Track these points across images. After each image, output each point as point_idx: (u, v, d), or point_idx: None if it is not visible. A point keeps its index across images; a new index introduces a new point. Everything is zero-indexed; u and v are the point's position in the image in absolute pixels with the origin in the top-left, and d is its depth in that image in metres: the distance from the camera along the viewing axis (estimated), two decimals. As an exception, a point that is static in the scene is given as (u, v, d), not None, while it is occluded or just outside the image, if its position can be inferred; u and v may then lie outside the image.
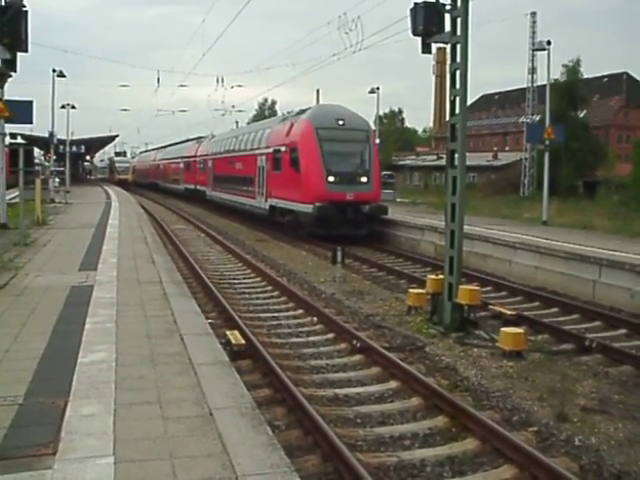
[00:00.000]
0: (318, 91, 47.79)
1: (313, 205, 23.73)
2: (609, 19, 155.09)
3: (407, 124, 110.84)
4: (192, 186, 49.28)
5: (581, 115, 50.69)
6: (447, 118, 13.48)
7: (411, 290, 13.52)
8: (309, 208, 23.89)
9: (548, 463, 6.25)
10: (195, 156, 49.08)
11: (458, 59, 11.84)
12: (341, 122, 25.24)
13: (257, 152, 30.78)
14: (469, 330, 11.59)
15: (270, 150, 28.30)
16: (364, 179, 24.86)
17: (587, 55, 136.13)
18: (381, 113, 66.99)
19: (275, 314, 13.23)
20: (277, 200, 27.37)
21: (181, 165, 55.26)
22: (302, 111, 28.01)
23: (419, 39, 12.50)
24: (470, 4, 11.60)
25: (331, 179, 24.15)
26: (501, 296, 15.44)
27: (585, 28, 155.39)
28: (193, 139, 60.83)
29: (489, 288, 15.97)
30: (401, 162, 75.23)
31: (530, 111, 49.28)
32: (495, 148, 68.98)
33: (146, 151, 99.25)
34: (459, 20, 11.71)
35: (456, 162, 11.91)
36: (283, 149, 26.51)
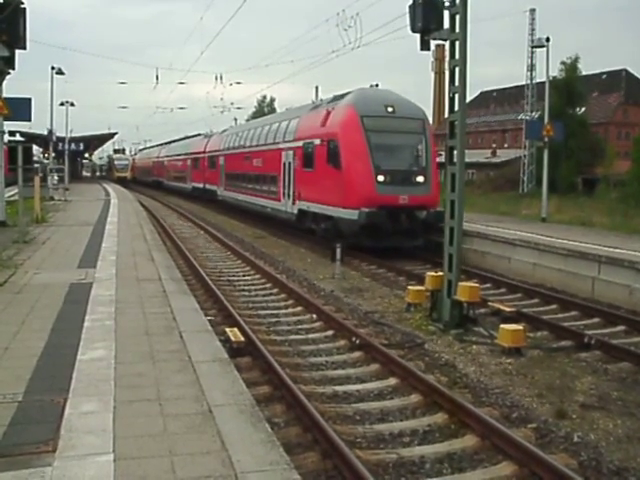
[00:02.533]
0: (317, 88, 47.68)
1: (359, 210, 19.33)
2: (614, 17, 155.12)
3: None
4: (201, 185, 45.56)
5: (580, 112, 50.67)
6: (446, 115, 13.48)
7: (410, 287, 13.53)
8: (353, 214, 19.51)
9: (547, 460, 6.25)
10: (204, 152, 44.90)
11: (457, 56, 11.83)
12: (391, 109, 20.65)
13: (282, 146, 26.36)
14: (468, 327, 11.60)
15: (299, 144, 24.06)
16: (420, 178, 20.34)
17: (590, 53, 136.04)
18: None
19: (274, 311, 13.23)
20: (308, 203, 22.99)
21: (188, 162, 51.26)
22: (340, 96, 22.95)
23: (418, 36, 12.50)
24: (469, 1, 11.59)
25: (381, 178, 19.71)
26: (500, 293, 15.46)
27: (588, 26, 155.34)
28: (192, 136, 60.52)
29: (488, 285, 15.98)
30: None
31: (529, 108, 49.24)
32: (494, 145, 68.94)
33: (148, 147, 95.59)
34: (458, 17, 11.70)
35: (455, 159, 11.90)
36: (317, 142, 22.16)
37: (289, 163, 25.20)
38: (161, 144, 76.39)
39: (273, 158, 27.26)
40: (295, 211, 24.35)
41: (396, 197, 19.64)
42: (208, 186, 42.90)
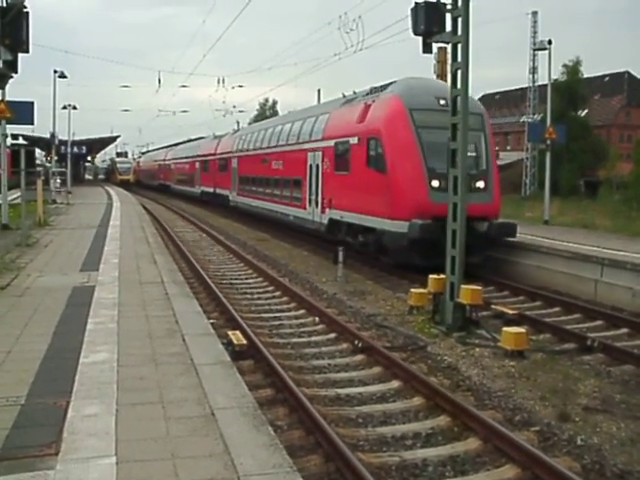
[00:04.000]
0: (319, 91, 47.61)
1: (409, 222, 16.27)
2: (615, 19, 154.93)
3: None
4: (211, 189, 42.64)
5: (582, 115, 50.67)
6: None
7: (413, 290, 13.52)
8: (402, 226, 16.45)
9: (550, 463, 6.24)
10: (214, 154, 42.05)
11: (459, 59, 11.83)
12: (443, 101, 16.83)
13: (307, 147, 23.36)
14: (471, 330, 11.59)
15: (329, 143, 21.11)
16: (480, 184, 17.22)
17: (592, 55, 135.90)
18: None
19: (277, 314, 13.23)
20: (342, 212, 19.89)
21: (197, 165, 48.33)
22: (380, 87, 19.64)
23: (420, 39, 12.52)
24: (471, 4, 11.61)
25: (435, 184, 16.52)
26: (503, 296, 15.44)
27: (590, 28, 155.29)
28: (196, 139, 60.40)
29: (491, 288, 15.95)
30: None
31: (531, 111, 49.25)
32: (496, 148, 68.83)
33: (154, 149, 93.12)
34: (460, 20, 11.70)
35: (457, 162, 11.89)
36: (354, 141, 19.16)
37: (316, 165, 22.22)
38: (167, 146, 74.51)
39: (296, 160, 24.44)
40: (325, 221, 21.26)
41: None
42: (219, 190, 40.37)
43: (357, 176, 18.98)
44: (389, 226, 16.99)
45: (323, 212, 21.50)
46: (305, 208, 23.30)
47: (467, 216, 15.06)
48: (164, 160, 66.88)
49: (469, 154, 16.01)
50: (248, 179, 32.78)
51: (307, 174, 23.09)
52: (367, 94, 20.15)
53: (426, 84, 19.26)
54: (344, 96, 22.76)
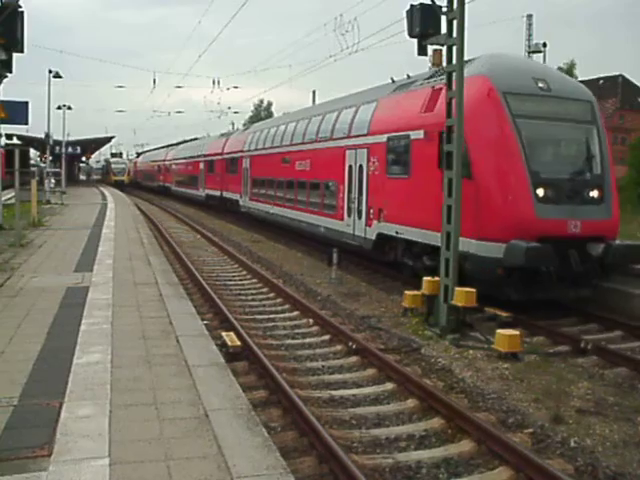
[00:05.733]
0: (314, 92, 47.63)
1: (506, 244, 12.18)
2: (611, 23, 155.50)
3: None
4: (217, 192, 38.75)
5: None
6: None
7: (407, 292, 13.52)
8: (495, 249, 12.36)
9: (543, 465, 6.25)
10: (222, 153, 38.09)
11: (454, 61, 11.86)
12: (543, 84, 13.48)
13: (345, 143, 19.23)
14: (465, 332, 11.60)
15: (380, 139, 16.84)
16: (595, 193, 13.21)
17: (587, 58, 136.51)
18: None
19: (271, 316, 13.22)
20: (398, 226, 15.68)
21: (201, 165, 44.24)
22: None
23: (415, 41, 12.55)
24: (466, 6, 11.63)
25: (541, 193, 12.57)
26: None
27: (585, 32, 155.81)
28: (189, 140, 60.11)
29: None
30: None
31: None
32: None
33: (153, 149, 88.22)
34: (455, 22, 11.73)
35: (452, 164, 11.91)
36: (417, 136, 14.76)
37: (359, 166, 18.11)
38: (168, 145, 70.66)
39: (329, 160, 20.39)
40: (371, 236, 17.16)
41: (564, 223, 12.48)
42: (227, 194, 36.20)
43: (422, 180, 14.40)
44: (475, 248, 12.61)
45: (369, 225, 17.32)
46: (342, 219, 19.14)
47: (580, 236, 12.53)
48: (164, 160, 62.80)
49: (577, 154, 13.81)
50: (264, 182, 28.46)
51: (345, 177, 19.01)
52: (430, 77, 15.70)
53: (519, 62, 14.96)
54: (393, 81, 18.55)
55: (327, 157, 20.66)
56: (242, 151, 32.98)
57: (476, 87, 13.22)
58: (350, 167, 18.68)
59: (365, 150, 17.71)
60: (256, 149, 30.30)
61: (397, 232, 15.68)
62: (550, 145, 13.80)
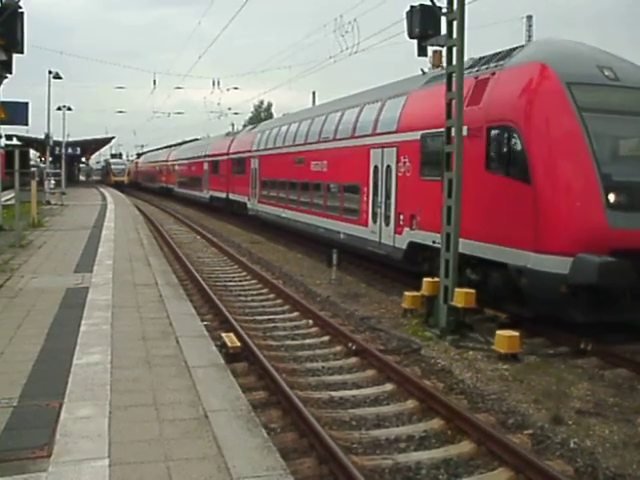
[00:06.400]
0: (314, 93, 47.69)
1: (573, 258, 10.48)
2: (612, 24, 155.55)
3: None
4: (222, 194, 37.22)
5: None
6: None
7: (407, 293, 13.51)
8: (559, 264, 10.62)
9: (543, 466, 6.25)
10: (227, 153, 36.64)
11: (454, 62, 11.86)
12: (609, 72, 11.87)
13: (370, 142, 17.41)
14: (465, 333, 11.59)
15: (412, 137, 14.97)
16: None
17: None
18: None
19: (271, 316, 13.22)
20: (434, 235, 13.27)
21: (205, 166, 42.80)
22: (507, 54, 12.99)
23: (415, 42, 12.56)
24: (466, 7, 11.63)
25: (613, 198, 10.79)
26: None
27: (585, 33, 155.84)
28: (189, 141, 59.96)
29: None
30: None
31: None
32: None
33: (155, 149, 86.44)
34: (455, 23, 11.73)
35: (452, 165, 11.91)
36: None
37: (386, 167, 16.40)
38: (170, 146, 69.03)
39: (352, 159, 18.68)
40: (402, 245, 15.36)
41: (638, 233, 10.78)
42: (233, 196, 34.78)
43: (466, 184, 12.11)
44: (534, 262, 10.97)
45: (398, 232, 15.57)
46: (366, 225, 17.44)
47: None
48: (166, 161, 61.04)
49: None
50: (275, 184, 26.72)
51: (369, 178, 17.31)
52: (471, 66, 13.63)
53: (580, 47, 12.88)
54: (423, 72, 16.99)
55: (348, 157, 19.03)
56: (250, 151, 31.44)
57: (534, 76, 11.79)
58: (375, 167, 17.02)
59: (394, 149, 15.97)
60: (266, 149, 28.62)
61: (434, 241, 13.28)
62: (622, 143, 12.08)
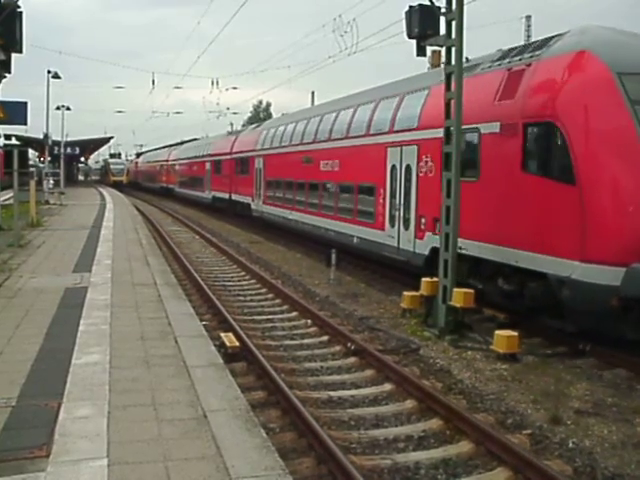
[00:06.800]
0: (313, 93, 47.65)
1: (627, 270, 9.42)
2: (614, 25, 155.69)
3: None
4: (225, 195, 36.25)
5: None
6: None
7: (406, 293, 13.51)
8: (609, 275, 9.60)
9: (542, 466, 6.25)
10: (230, 153, 35.64)
11: (453, 62, 11.86)
12: None
13: (387, 140, 16.26)
14: (463, 333, 11.60)
15: (434, 134, 13.38)
16: None
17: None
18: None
19: (269, 316, 13.22)
20: (462, 241, 12.23)
21: (207, 166, 41.79)
22: (544, 42, 11.87)
23: (414, 42, 12.56)
24: (465, 7, 11.64)
25: None
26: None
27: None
28: (188, 140, 59.88)
29: None
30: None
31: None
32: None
33: (155, 149, 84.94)
34: (454, 23, 11.73)
35: (451, 165, 11.91)
36: (489, 129, 11.95)
37: (405, 167, 15.28)
38: (170, 145, 68.17)
39: (366, 159, 17.56)
40: (423, 250, 14.23)
41: None
42: (236, 197, 33.87)
43: (496, 185, 11.71)
44: (580, 273, 9.91)
45: (419, 237, 14.52)
46: (383, 228, 16.34)
47: None
48: (167, 160, 59.84)
49: None
50: (281, 184, 25.63)
51: (386, 179, 16.18)
52: (502, 57, 12.79)
53: (626, 35, 11.72)
54: (441, 66, 15.94)
55: (362, 156, 17.84)
56: (254, 150, 30.26)
57: (580, 66, 10.72)
58: (393, 167, 15.88)
59: (414, 147, 14.80)
60: (271, 147, 27.46)
61: (461, 248, 12.29)
62: None
